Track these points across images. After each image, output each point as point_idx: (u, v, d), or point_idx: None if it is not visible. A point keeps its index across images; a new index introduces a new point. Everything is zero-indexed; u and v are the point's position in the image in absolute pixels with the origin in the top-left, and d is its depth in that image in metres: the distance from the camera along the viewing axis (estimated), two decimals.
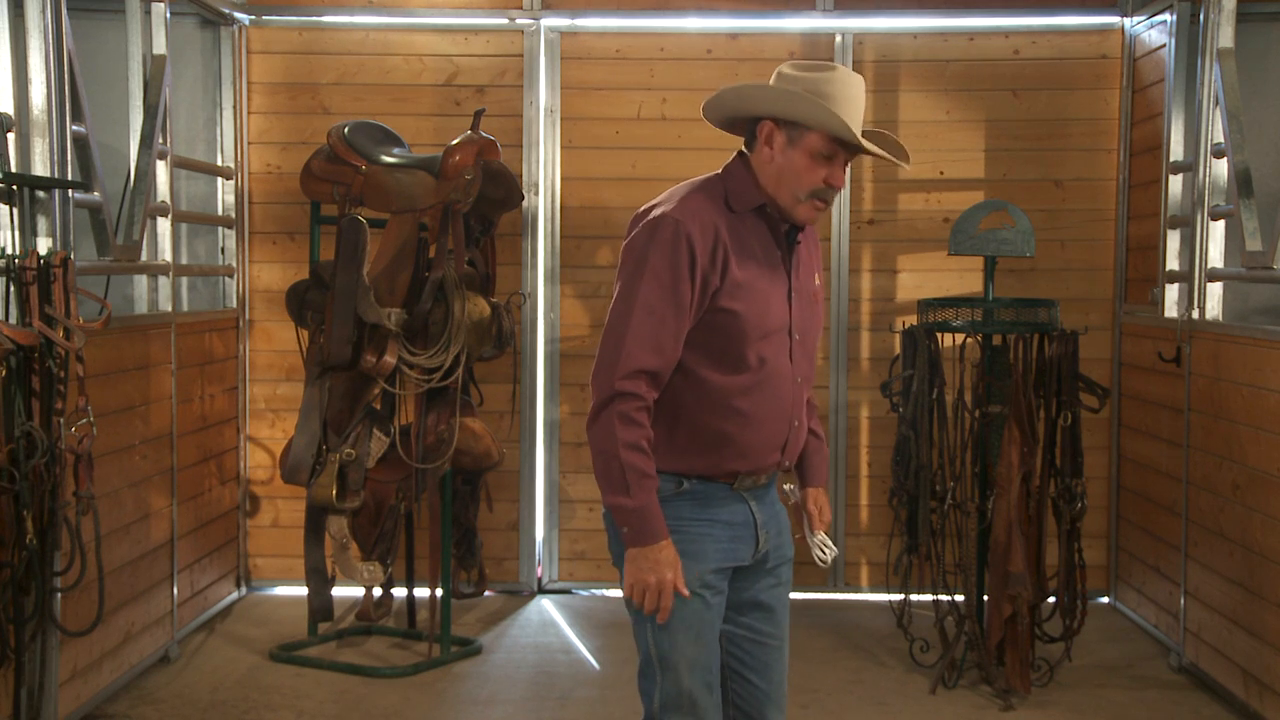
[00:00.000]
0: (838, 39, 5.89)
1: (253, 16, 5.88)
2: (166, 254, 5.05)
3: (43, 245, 3.93)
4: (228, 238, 5.85)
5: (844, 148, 2.68)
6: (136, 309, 4.96)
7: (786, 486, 3.03)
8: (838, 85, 2.65)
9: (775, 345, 2.73)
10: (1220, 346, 4.65)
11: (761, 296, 2.70)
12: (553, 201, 5.95)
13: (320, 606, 5.07)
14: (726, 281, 2.66)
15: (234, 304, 5.87)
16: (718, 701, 2.82)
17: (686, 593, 2.69)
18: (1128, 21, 5.81)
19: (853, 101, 2.66)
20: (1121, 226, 5.86)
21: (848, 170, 2.78)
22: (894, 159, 2.77)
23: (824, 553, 3.02)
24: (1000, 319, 4.68)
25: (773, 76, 2.73)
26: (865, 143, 2.67)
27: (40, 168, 3.97)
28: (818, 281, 2.89)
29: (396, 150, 5.14)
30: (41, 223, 3.95)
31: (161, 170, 5.01)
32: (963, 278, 5.90)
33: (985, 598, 4.78)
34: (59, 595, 3.94)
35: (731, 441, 2.73)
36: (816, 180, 2.67)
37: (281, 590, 5.98)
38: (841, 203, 5.90)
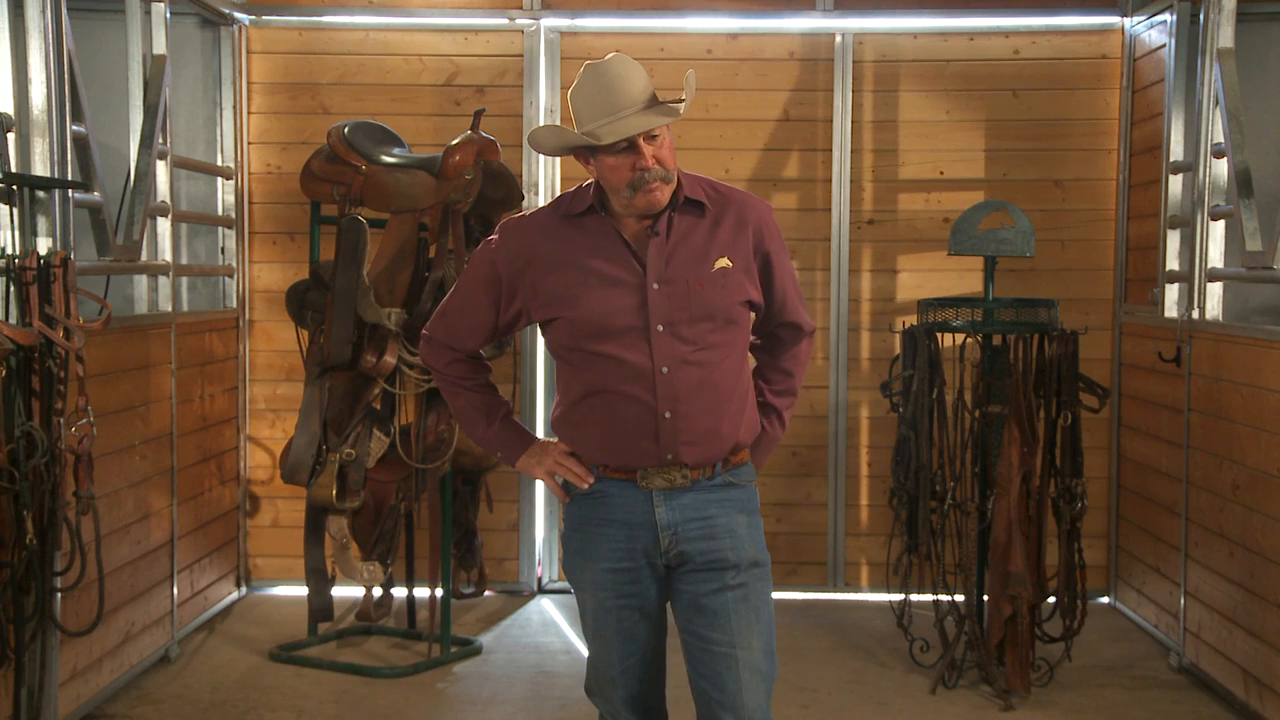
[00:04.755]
0: (838, 39, 5.89)
1: (253, 16, 5.88)
2: (166, 254, 5.05)
3: (43, 245, 3.93)
4: (228, 238, 5.85)
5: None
6: (136, 309, 4.96)
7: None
8: (591, 88, 2.78)
9: (622, 341, 2.78)
10: (1220, 346, 4.66)
11: (596, 296, 2.79)
12: None
13: (320, 606, 5.08)
14: (539, 279, 2.83)
15: (234, 304, 5.87)
16: (629, 696, 2.92)
17: (580, 469, 2.87)
18: (1128, 21, 5.81)
19: (605, 91, 2.76)
20: (1121, 226, 5.86)
21: (675, 146, 2.85)
22: (667, 118, 2.78)
23: None
24: (1000, 319, 4.68)
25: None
26: (620, 135, 2.73)
27: (40, 168, 3.97)
28: (721, 265, 2.83)
29: (396, 150, 5.14)
30: (41, 223, 3.95)
31: (161, 170, 5.01)
32: (963, 278, 5.90)
33: (985, 598, 4.78)
34: (59, 595, 3.94)
35: (598, 431, 2.83)
36: (627, 174, 2.77)
37: (281, 590, 5.98)
38: (841, 203, 5.91)
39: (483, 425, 3.01)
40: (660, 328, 2.78)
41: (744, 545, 2.86)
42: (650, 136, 2.77)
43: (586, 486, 2.86)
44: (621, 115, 2.74)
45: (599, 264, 2.81)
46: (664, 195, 2.80)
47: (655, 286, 2.79)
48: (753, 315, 2.97)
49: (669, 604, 2.94)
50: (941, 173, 5.94)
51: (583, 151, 2.82)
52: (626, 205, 2.81)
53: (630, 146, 2.75)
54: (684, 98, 2.85)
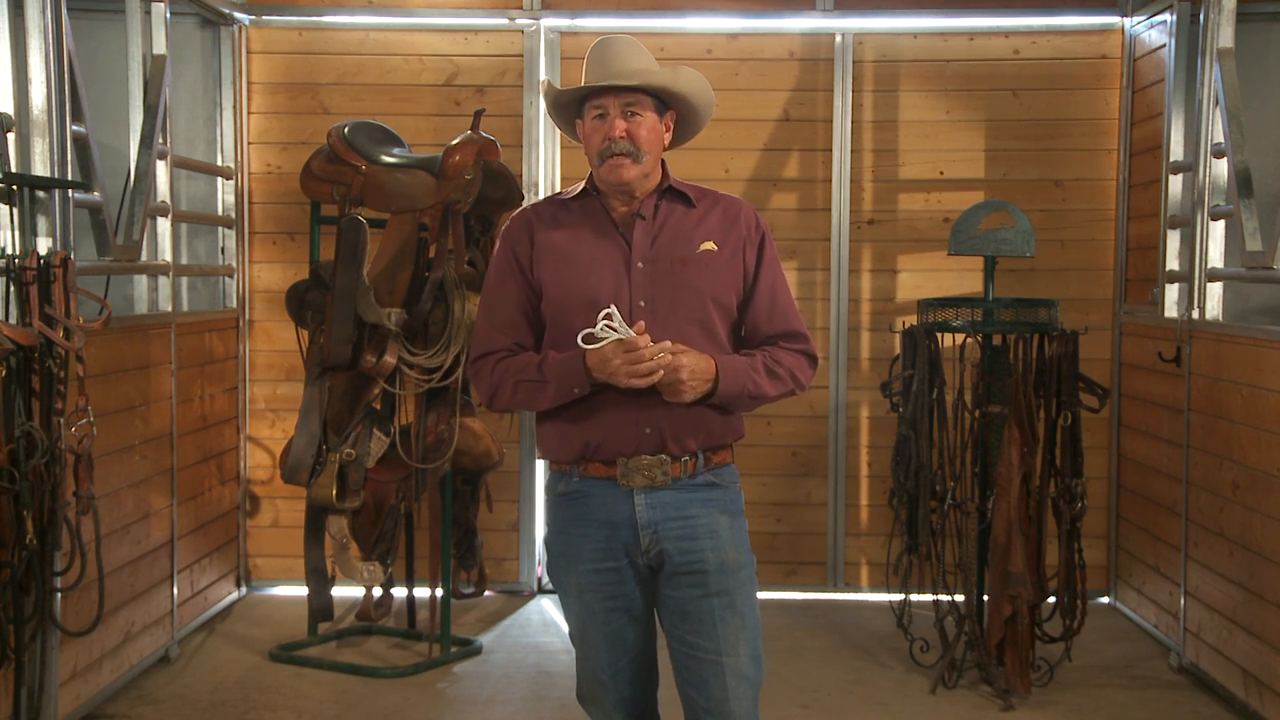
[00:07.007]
0: (838, 39, 5.89)
1: (253, 16, 5.88)
2: (166, 254, 5.05)
3: (43, 245, 3.93)
4: (228, 238, 5.85)
5: (608, 101, 2.82)
6: (136, 309, 4.96)
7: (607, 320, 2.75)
8: (592, 58, 2.87)
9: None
10: (1220, 346, 4.66)
11: (583, 272, 2.83)
12: None
13: (320, 606, 5.07)
14: (538, 262, 2.87)
15: (234, 304, 5.87)
16: (620, 699, 2.92)
17: (637, 333, 2.71)
18: (1128, 21, 5.81)
19: (600, 61, 2.84)
20: (1121, 226, 5.86)
21: (663, 127, 2.93)
22: (620, 80, 2.81)
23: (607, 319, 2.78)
24: (1000, 319, 4.68)
25: None
26: (575, 86, 2.86)
27: (40, 168, 3.97)
28: (706, 247, 2.85)
29: (396, 150, 5.14)
30: (41, 223, 3.95)
31: (161, 170, 5.01)
32: (963, 278, 5.90)
33: (985, 598, 4.78)
34: (59, 595, 3.94)
35: (579, 411, 2.81)
36: (598, 142, 2.84)
37: (281, 590, 5.98)
38: (841, 203, 5.91)
39: (541, 388, 2.82)
40: (642, 303, 2.80)
41: (725, 547, 2.85)
42: (630, 114, 2.82)
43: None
44: (605, 74, 2.83)
45: (586, 242, 2.87)
46: (629, 173, 2.83)
47: (639, 265, 2.84)
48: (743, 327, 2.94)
49: (656, 610, 2.93)
50: (941, 173, 5.94)
51: (580, 123, 2.91)
52: (599, 176, 2.87)
53: (604, 116, 2.82)
54: (658, 70, 2.87)
